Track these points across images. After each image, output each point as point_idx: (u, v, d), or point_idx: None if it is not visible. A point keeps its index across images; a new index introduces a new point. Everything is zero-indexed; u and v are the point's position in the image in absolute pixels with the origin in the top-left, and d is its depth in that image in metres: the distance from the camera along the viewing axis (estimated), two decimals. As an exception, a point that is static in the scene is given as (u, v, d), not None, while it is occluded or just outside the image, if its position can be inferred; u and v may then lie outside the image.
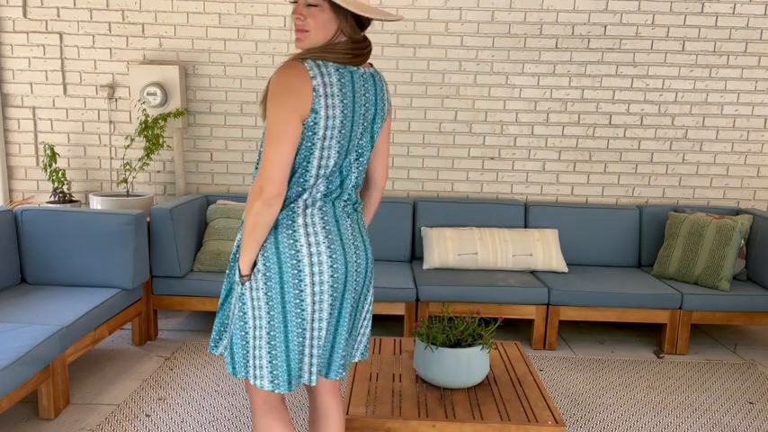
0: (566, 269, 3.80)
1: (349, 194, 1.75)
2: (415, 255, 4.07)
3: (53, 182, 3.86)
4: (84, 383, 3.02)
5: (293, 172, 1.64)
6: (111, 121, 4.15)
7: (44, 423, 2.63)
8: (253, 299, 1.68)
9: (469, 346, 2.37)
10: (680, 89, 4.11)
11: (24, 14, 4.01)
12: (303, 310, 1.66)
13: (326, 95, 1.57)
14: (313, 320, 1.68)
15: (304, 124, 1.58)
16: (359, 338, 1.89)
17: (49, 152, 3.87)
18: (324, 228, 1.67)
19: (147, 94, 3.92)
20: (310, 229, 1.66)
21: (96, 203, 3.75)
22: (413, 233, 4.05)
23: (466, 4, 4.01)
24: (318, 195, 1.68)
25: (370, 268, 1.82)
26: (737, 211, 4.01)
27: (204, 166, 4.22)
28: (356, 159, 1.73)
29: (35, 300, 2.98)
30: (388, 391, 2.40)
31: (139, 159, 3.96)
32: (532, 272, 3.82)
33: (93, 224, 3.18)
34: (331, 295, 1.68)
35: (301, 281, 1.64)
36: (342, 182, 1.71)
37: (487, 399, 2.35)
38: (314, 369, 1.73)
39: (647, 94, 4.11)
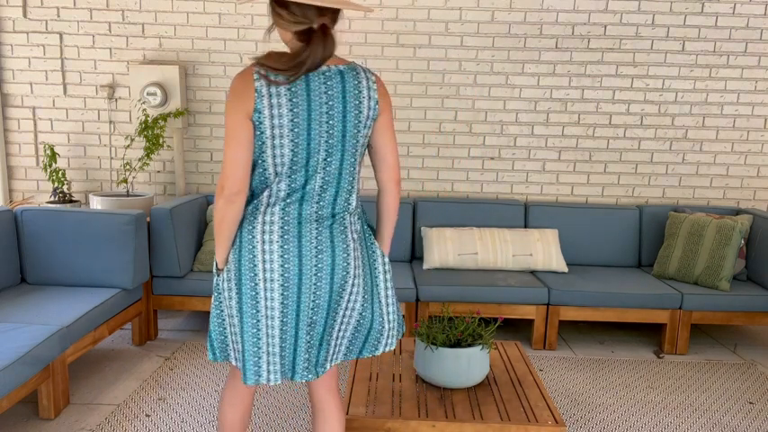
0: (566, 269, 3.80)
1: (320, 197, 1.72)
2: (415, 255, 4.07)
3: (53, 182, 3.86)
4: (84, 383, 3.02)
5: (254, 167, 1.71)
6: (111, 121, 4.15)
7: (44, 423, 2.63)
8: (224, 290, 1.77)
9: (469, 346, 2.37)
10: (680, 89, 4.11)
11: (24, 14, 4.01)
12: (257, 302, 1.71)
13: (270, 95, 1.61)
14: (267, 317, 1.72)
15: (254, 123, 1.63)
16: (339, 341, 1.83)
17: (49, 152, 3.87)
18: (281, 227, 1.70)
19: (147, 94, 3.92)
20: (267, 227, 1.70)
21: (96, 203, 3.75)
22: (413, 233, 4.05)
23: (466, 4, 4.01)
24: (281, 194, 1.70)
25: (342, 275, 1.74)
26: (737, 211, 4.01)
27: (204, 166, 4.22)
28: (324, 159, 1.69)
29: (35, 300, 2.98)
30: (388, 391, 2.40)
31: (139, 159, 3.96)
32: (532, 272, 3.82)
33: (93, 224, 3.18)
34: (282, 294, 1.70)
35: (255, 275, 1.70)
36: (306, 181, 1.70)
37: (487, 399, 2.35)
38: (272, 368, 1.74)
39: (647, 94, 4.11)
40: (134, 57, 4.08)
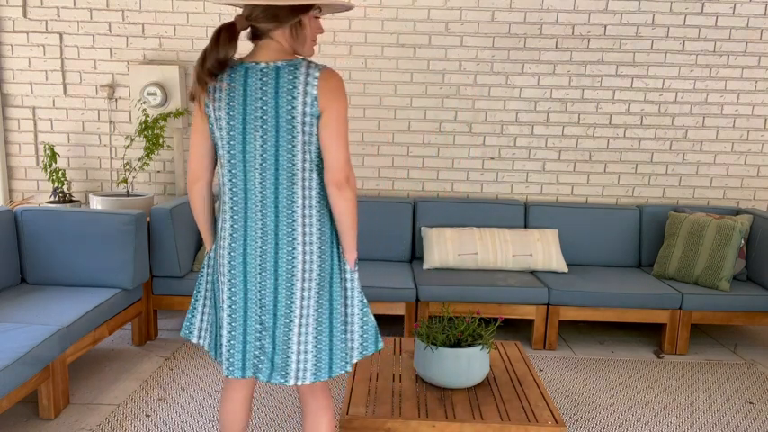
0: (566, 269, 3.80)
1: (262, 194, 1.72)
2: (415, 255, 4.07)
3: (53, 182, 3.86)
4: (84, 383, 3.02)
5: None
6: (111, 121, 4.15)
7: (44, 423, 2.63)
8: (205, 274, 1.91)
9: (469, 346, 2.37)
10: (680, 89, 4.11)
11: (24, 14, 4.01)
12: (216, 294, 1.84)
13: (215, 90, 1.72)
14: (220, 309, 1.83)
15: (207, 117, 1.77)
16: (302, 356, 1.77)
17: (49, 152, 3.87)
18: (231, 225, 1.78)
19: (147, 94, 3.92)
20: (224, 224, 1.80)
21: (96, 203, 3.75)
22: (413, 233, 4.05)
23: (466, 4, 4.01)
24: (227, 189, 1.77)
25: (287, 277, 1.73)
26: (737, 211, 4.01)
27: (204, 166, 4.21)
28: (261, 155, 1.71)
29: (35, 300, 2.98)
30: (388, 391, 2.40)
31: (139, 159, 3.96)
32: (532, 272, 3.82)
33: (93, 224, 3.18)
34: (229, 289, 1.78)
35: (217, 268, 1.83)
36: (245, 176, 1.73)
37: (487, 399, 2.35)
38: (225, 359, 1.82)
39: (647, 94, 4.11)
40: (134, 57, 4.08)
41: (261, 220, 1.74)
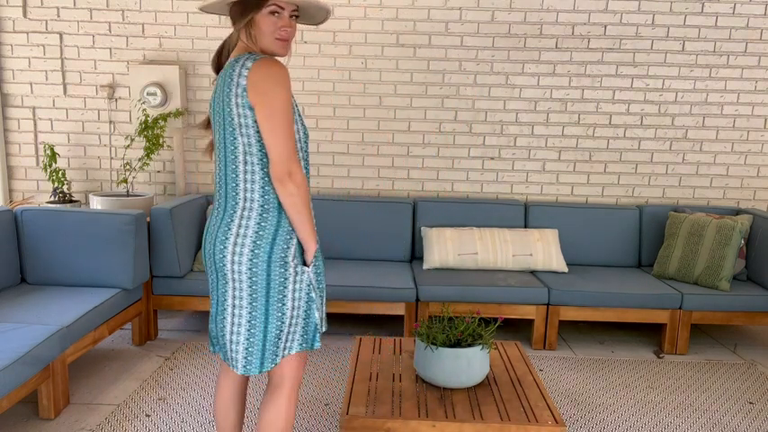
0: (566, 269, 3.80)
1: (219, 184, 1.83)
2: (415, 255, 4.07)
3: (53, 182, 3.86)
4: (84, 383, 3.02)
5: None
6: (111, 121, 4.15)
7: (44, 423, 2.63)
8: None
9: (469, 346, 2.37)
10: (680, 89, 4.11)
11: (24, 14, 4.01)
12: None
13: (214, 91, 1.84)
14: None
15: None
16: (234, 347, 1.80)
17: (49, 152, 3.87)
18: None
19: (147, 94, 3.92)
20: None
21: (96, 203, 3.75)
22: (413, 233, 4.05)
23: (466, 4, 4.01)
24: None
25: (219, 266, 1.78)
26: (737, 211, 4.01)
27: (204, 166, 4.22)
28: (217, 148, 1.81)
29: (35, 300, 2.98)
30: (388, 391, 2.40)
31: (139, 159, 3.96)
32: (532, 272, 3.82)
33: (93, 224, 3.18)
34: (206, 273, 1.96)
35: None
36: (217, 164, 1.85)
37: (487, 399, 2.35)
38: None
39: (647, 94, 4.11)
40: (134, 57, 4.08)
41: (216, 207, 1.84)
